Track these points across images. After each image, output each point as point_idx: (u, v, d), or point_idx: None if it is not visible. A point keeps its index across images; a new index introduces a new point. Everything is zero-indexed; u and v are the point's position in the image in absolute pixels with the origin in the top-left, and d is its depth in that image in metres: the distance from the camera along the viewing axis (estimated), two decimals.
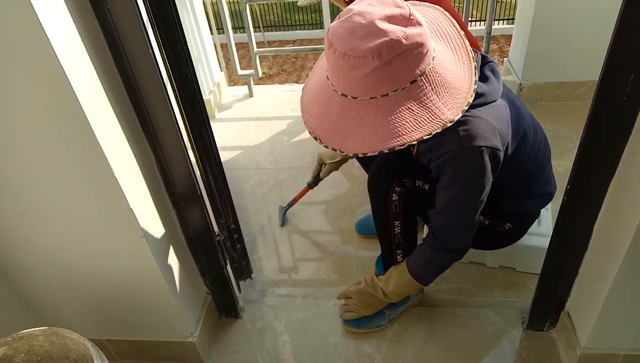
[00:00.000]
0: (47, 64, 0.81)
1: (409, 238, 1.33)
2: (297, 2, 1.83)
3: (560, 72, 2.23)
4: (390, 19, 0.89)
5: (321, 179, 1.76)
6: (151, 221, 1.12)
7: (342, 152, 1.00)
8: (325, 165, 1.70)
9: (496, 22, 7.89)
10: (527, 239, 1.44)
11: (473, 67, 1.00)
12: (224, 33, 2.53)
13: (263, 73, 4.10)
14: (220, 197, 1.34)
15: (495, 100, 1.09)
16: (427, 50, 0.91)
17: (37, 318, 1.30)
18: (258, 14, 8.85)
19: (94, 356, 1.00)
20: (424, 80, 0.93)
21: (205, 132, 1.21)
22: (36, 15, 0.75)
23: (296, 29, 9.41)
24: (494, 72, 1.12)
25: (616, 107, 0.88)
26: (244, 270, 1.55)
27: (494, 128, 1.05)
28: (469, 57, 1.01)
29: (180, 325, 1.30)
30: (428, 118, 0.94)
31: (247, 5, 2.45)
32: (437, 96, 0.94)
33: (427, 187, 1.24)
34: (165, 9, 0.99)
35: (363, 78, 0.90)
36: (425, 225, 1.48)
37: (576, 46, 2.08)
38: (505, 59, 2.53)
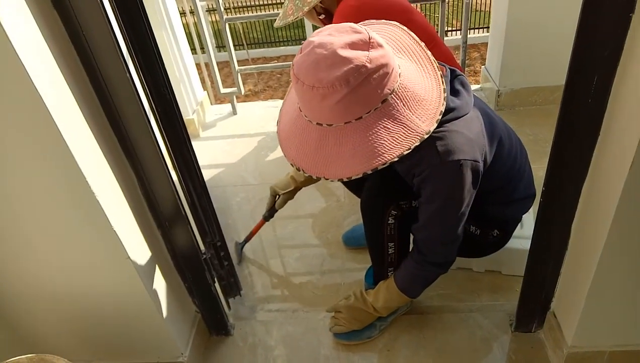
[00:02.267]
0: (24, 89, 0.82)
1: (402, 257, 1.34)
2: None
3: (536, 78, 2.29)
4: (352, 46, 0.90)
5: (276, 211, 1.73)
6: (136, 242, 1.12)
7: (327, 179, 1.01)
8: (279, 196, 1.69)
9: (475, 30, 8.06)
10: (512, 242, 1.46)
11: (439, 75, 1.02)
12: (205, 52, 2.56)
13: (249, 90, 4.15)
14: (205, 216, 1.34)
15: (468, 113, 1.10)
16: (393, 69, 0.93)
17: (25, 344, 1.28)
18: (241, 31, 8.93)
19: None
20: (394, 98, 0.95)
21: (186, 151, 1.22)
22: (8, 39, 0.77)
23: (280, 45, 9.51)
24: (463, 85, 1.13)
25: (583, 109, 0.91)
26: (232, 287, 1.55)
27: (471, 140, 1.06)
28: (433, 66, 1.03)
29: (169, 346, 1.29)
30: (404, 133, 0.96)
31: (227, 24, 2.48)
32: (410, 110, 0.96)
33: None
34: (141, 34, 1.01)
35: (335, 106, 0.92)
36: None
37: (550, 51, 2.14)
38: (482, 66, 2.58)
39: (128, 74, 0.97)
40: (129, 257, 1.08)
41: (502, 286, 1.54)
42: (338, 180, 1.01)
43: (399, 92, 0.95)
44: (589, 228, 1.06)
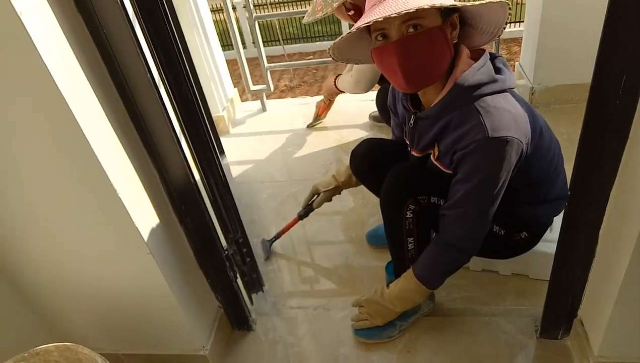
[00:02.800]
0: (48, 91, 0.86)
1: (422, 252, 1.32)
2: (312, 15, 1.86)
3: (571, 75, 2.19)
4: None
5: (313, 210, 1.72)
6: (157, 239, 1.15)
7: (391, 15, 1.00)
8: (319, 194, 1.69)
9: (515, 24, 7.76)
10: (540, 246, 1.42)
11: None
12: (245, 48, 2.57)
13: (284, 85, 4.19)
14: (228, 213, 1.36)
15: (513, 88, 1.13)
16: None
17: (56, 335, 1.34)
18: (278, 27, 8.98)
19: None
20: None
21: (209, 149, 1.24)
22: (33, 43, 0.80)
23: (316, 41, 9.50)
24: (504, 64, 1.16)
25: (610, 111, 0.87)
26: (255, 283, 1.57)
27: (517, 120, 1.08)
28: None
29: (191, 339, 1.33)
30: None
31: (256, 21, 2.50)
32: None
33: (442, 203, 1.24)
34: (163, 33, 1.03)
35: None
36: None
37: (586, 47, 2.02)
38: (516, 63, 2.50)
39: (148, 74, 0.99)
40: (150, 253, 1.11)
41: (528, 290, 1.49)
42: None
43: None
44: (617, 234, 1.02)
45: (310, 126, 2.58)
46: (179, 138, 1.13)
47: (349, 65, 2.22)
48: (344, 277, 1.68)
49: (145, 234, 1.09)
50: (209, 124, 2.11)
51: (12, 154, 0.97)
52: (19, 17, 0.78)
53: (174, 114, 1.13)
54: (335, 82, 2.32)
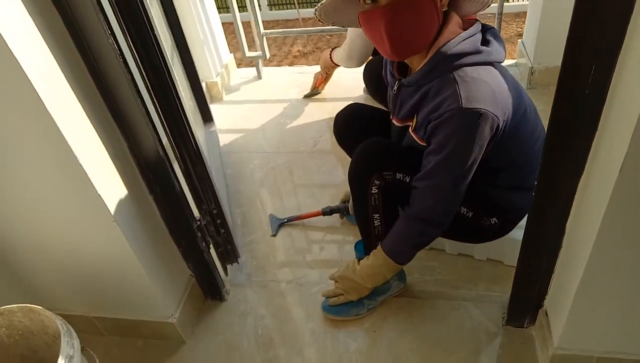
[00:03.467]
0: (10, 67, 0.84)
1: (389, 230, 1.31)
2: None
3: None
4: None
5: (338, 213, 1.73)
6: (123, 207, 1.15)
7: None
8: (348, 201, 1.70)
9: None
10: (517, 233, 1.39)
11: None
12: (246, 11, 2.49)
13: (297, 51, 4.10)
14: (201, 183, 1.35)
15: (496, 62, 1.10)
16: None
17: (32, 297, 1.36)
18: None
19: (62, 332, 1.04)
20: None
21: (180, 118, 1.22)
22: None
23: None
24: (495, 37, 1.13)
25: (579, 100, 0.84)
26: (229, 254, 1.58)
27: (495, 94, 1.05)
28: None
29: (159, 306, 1.34)
30: None
31: None
32: None
33: (408, 180, 1.22)
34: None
35: None
36: None
37: None
38: (519, 40, 2.42)
39: (112, 39, 0.96)
40: (115, 221, 1.11)
41: (501, 277, 1.48)
42: None
43: None
44: (581, 227, 0.99)
45: (307, 97, 2.54)
46: (147, 106, 1.11)
47: (347, 39, 2.16)
48: (320, 254, 1.68)
49: (109, 202, 1.09)
50: (194, 90, 2.10)
51: None
52: None
53: (142, 79, 1.11)
54: (331, 55, 2.27)
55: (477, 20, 1.15)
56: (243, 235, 1.79)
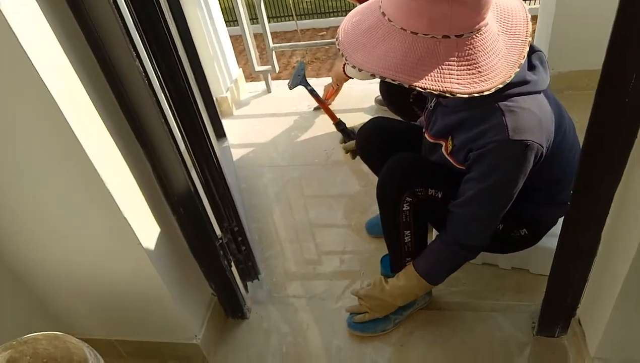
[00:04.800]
0: (35, 87, 0.83)
1: (419, 246, 1.29)
2: None
3: (586, 60, 2.10)
4: None
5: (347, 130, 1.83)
6: (148, 228, 1.13)
7: (346, 62, 0.98)
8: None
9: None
10: (543, 241, 1.38)
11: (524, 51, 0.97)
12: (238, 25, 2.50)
13: (296, 62, 4.11)
14: (222, 202, 1.34)
15: (542, 91, 1.06)
16: (478, 15, 0.89)
17: (49, 319, 1.35)
18: (291, 2, 8.82)
19: (90, 359, 1.02)
20: (457, 43, 0.90)
21: (203, 138, 1.22)
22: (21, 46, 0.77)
23: (330, 16, 9.32)
24: (541, 61, 1.09)
25: (618, 109, 0.82)
26: (250, 271, 1.56)
27: (541, 123, 1.03)
28: (524, 44, 0.98)
29: (183, 328, 1.32)
30: (438, 74, 0.91)
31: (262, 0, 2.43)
32: (462, 66, 0.92)
33: (440, 195, 1.20)
34: (155, 22, 1.00)
35: (403, 2, 0.89)
36: (434, 229, 1.43)
37: (602, 33, 1.95)
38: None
39: (138, 61, 0.95)
40: (140, 244, 1.10)
41: (528, 286, 1.46)
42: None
43: (466, 42, 0.91)
44: (620, 235, 0.98)
45: (317, 109, 2.53)
46: (171, 127, 1.09)
47: None
48: (340, 267, 1.66)
49: (134, 224, 1.07)
50: (208, 106, 2.09)
51: (13, 158, 0.97)
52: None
53: (166, 101, 1.10)
54: (344, 68, 2.27)
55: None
56: (261, 250, 1.78)
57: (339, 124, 2.06)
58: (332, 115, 2.12)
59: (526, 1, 7.54)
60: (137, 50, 0.95)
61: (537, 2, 7.12)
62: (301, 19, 9.36)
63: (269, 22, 5.10)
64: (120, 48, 0.93)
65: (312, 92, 1.92)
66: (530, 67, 1.06)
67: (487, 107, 1.04)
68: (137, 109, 1.03)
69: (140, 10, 0.99)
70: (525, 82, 1.02)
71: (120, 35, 0.91)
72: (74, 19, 0.89)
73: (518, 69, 0.96)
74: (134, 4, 0.97)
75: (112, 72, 0.97)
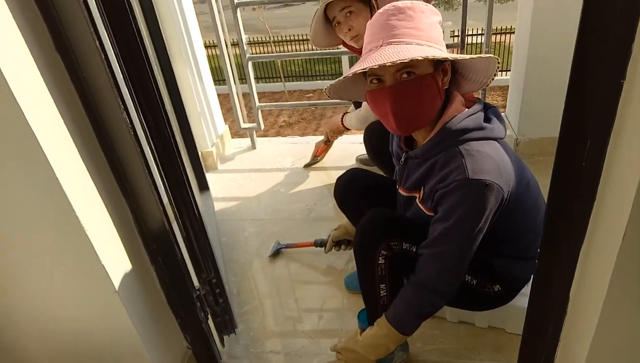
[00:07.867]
0: (15, 121, 0.86)
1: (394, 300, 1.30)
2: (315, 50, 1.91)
3: (556, 127, 2.20)
4: None
5: (325, 246, 1.81)
6: (126, 277, 1.13)
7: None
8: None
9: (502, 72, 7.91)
10: (518, 300, 1.40)
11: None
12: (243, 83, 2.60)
13: (283, 121, 4.26)
14: (202, 253, 1.35)
15: (499, 139, 1.16)
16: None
17: None
18: (280, 65, 9.21)
19: None
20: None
21: (185, 190, 1.24)
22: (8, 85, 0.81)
23: (316, 79, 9.71)
24: (497, 115, 1.20)
25: (576, 174, 0.88)
26: (227, 325, 1.54)
27: (499, 168, 1.10)
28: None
29: None
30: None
31: (249, 62, 2.54)
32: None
33: (414, 249, 1.23)
34: (142, 74, 1.05)
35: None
36: None
37: None
38: (503, 113, 2.55)
39: (125, 113, 1.00)
40: (116, 291, 1.09)
41: (505, 344, 1.47)
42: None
43: None
44: (586, 294, 1.01)
45: (307, 166, 2.58)
46: (154, 177, 1.12)
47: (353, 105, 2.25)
48: (319, 323, 1.64)
49: (112, 272, 1.07)
50: (193, 159, 2.14)
51: None
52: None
53: (150, 152, 1.14)
54: (342, 119, 2.30)
55: (478, 98, 1.24)
56: (239, 305, 1.76)
57: (315, 243, 1.93)
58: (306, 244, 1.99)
59: (498, 72, 8.02)
60: (124, 102, 1.00)
61: (507, 74, 7.58)
62: (289, 81, 9.75)
63: (259, 82, 5.29)
64: (108, 99, 0.98)
65: (288, 245, 2.01)
66: (486, 119, 1.17)
67: (450, 151, 1.13)
68: (120, 156, 1.06)
69: (130, 65, 1.03)
70: (481, 128, 1.13)
71: (109, 88, 0.96)
72: (66, 71, 0.93)
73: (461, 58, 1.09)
74: (125, 59, 1.03)
75: (100, 121, 1.01)
